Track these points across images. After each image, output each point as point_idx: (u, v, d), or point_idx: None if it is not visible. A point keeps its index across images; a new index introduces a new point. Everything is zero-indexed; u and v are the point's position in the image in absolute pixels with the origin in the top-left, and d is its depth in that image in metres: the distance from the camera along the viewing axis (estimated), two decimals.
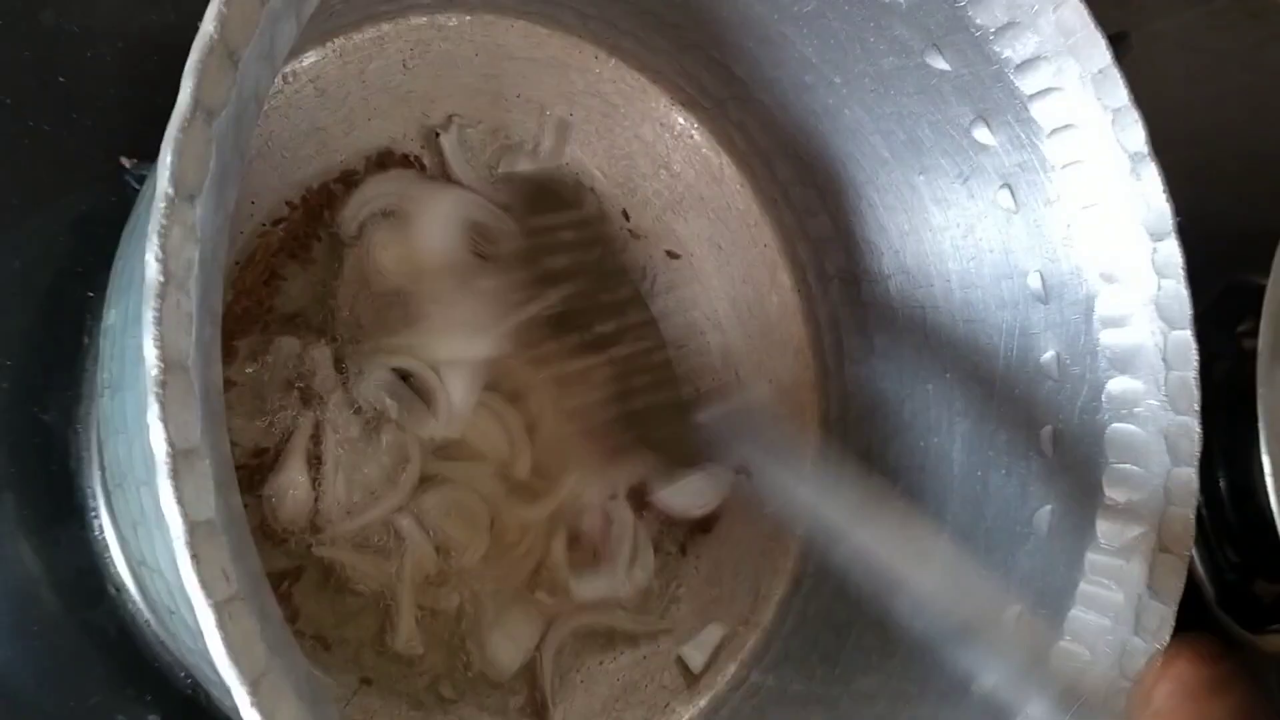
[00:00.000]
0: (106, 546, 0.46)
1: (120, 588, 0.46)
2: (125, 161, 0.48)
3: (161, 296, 0.26)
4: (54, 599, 0.45)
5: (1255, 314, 0.55)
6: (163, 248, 0.26)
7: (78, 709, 0.45)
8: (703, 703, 0.55)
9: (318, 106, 0.49)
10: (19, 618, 0.45)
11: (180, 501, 0.25)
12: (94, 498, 0.46)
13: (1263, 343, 0.54)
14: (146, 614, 0.46)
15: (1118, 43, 0.43)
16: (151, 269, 0.26)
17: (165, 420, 0.25)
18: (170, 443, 0.25)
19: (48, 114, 0.47)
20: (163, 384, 0.25)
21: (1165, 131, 0.44)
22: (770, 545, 0.58)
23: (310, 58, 0.49)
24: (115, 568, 0.46)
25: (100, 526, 0.46)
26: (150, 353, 0.25)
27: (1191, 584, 0.43)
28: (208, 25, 0.28)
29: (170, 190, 0.26)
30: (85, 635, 0.46)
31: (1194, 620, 0.41)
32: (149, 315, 0.26)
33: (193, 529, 0.25)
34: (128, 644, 0.46)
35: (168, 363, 0.26)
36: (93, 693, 0.45)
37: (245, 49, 0.29)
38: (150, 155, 0.47)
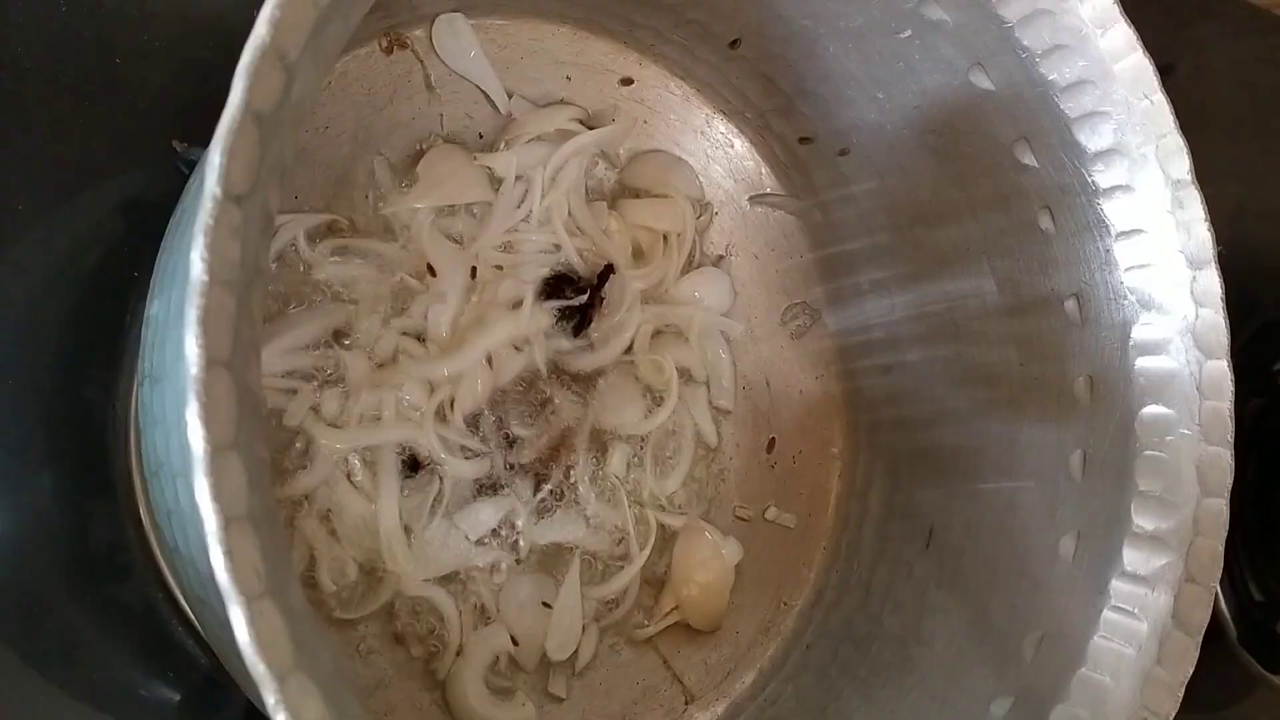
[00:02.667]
0: (139, 523, 0.47)
1: (149, 565, 0.47)
2: (176, 145, 0.48)
3: (205, 295, 0.26)
4: (84, 572, 0.46)
5: None
6: (208, 247, 0.26)
7: (101, 681, 0.46)
8: (720, 709, 0.55)
9: (364, 104, 0.50)
10: (48, 588, 0.45)
11: (216, 498, 0.26)
12: (129, 475, 0.47)
13: None
14: (175, 593, 0.47)
15: (1165, 74, 0.43)
16: (196, 268, 0.26)
17: (204, 418, 0.26)
18: (208, 440, 0.26)
19: (103, 95, 0.48)
20: (203, 381, 0.26)
21: (1209, 164, 0.44)
22: (794, 555, 0.58)
23: (358, 56, 0.50)
24: (146, 546, 0.47)
25: (134, 504, 0.47)
26: (191, 350, 0.26)
27: (1213, 620, 0.43)
28: (260, 28, 0.28)
29: (218, 191, 0.27)
30: (112, 609, 0.46)
31: (1215, 657, 0.41)
32: (192, 313, 0.26)
33: (226, 525, 0.26)
34: (153, 621, 0.47)
35: (208, 360, 0.26)
36: (115, 667, 0.46)
37: (296, 52, 0.29)
38: (201, 140, 0.47)
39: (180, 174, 0.48)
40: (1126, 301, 0.45)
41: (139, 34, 0.48)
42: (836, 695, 0.52)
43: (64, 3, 0.47)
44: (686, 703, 0.55)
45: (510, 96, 0.53)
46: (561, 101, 0.55)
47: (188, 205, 0.36)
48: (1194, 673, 0.41)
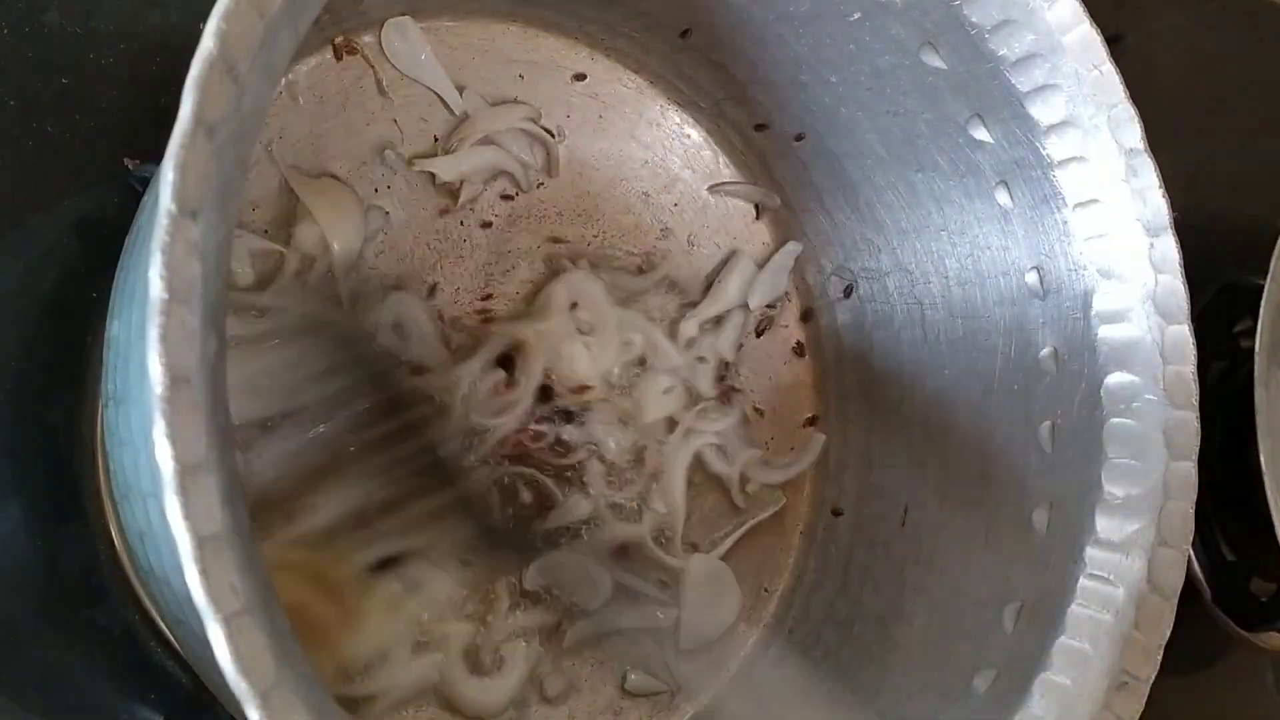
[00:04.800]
0: (110, 546, 0.47)
1: (124, 587, 0.46)
2: (128, 162, 0.48)
3: (165, 313, 0.26)
4: (58, 598, 0.46)
5: (1252, 314, 0.55)
6: (166, 265, 0.26)
7: (81, 708, 0.45)
8: (706, 699, 0.55)
9: (317, 113, 0.49)
10: (22, 616, 0.45)
11: (188, 517, 0.26)
12: (98, 497, 0.47)
13: (1260, 343, 0.54)
14: (152, 614, 0.47)
15: (1114, 44, 0.43)
16: (155, 286, 0.26)
17: (171, 437, 0.26)
18: (176, 459, 0.26)
19: (51, 115, 0.47)
20: (168, 400, 0.26)
21: (1162, 131, 0.44)
22: (772, 541, 0.58)
23: (308, 64, 0.49)
24: (119, 567, 0.46)
25: (104, 526, 0.47)
26: (155, 370, 0.26)
27: (1188, 582, 0.43)
28: (208, 40, 0.28)
29: (173, 207, 0.27)
30: (89, 634, 0.46)
31: (1191, 618, 0.41)
32: (153, 332, 0.26)
33: (200, 544, 0.26)
34: (131, 643, 0.47)
35: (173, 379, 0.26)
36: (96, 692, 0.46)
37: (244, 62, 0.29)
38: (153, 156, 0.47)
39: (134, 192, 0.48)
40: (1086, 272, 0.46)
41: (85, 52, 0.48)
42: (821, 678, 0.52)
43: (4, 24, 0.46)
44: (673, 694, 0.55)
45: (462, 94, 0.53)
46: (514, 101, 0.54)
47: (143, 223, 0.36)
48: (1171, 635, 0.41)
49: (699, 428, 0.56)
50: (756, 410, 0.59)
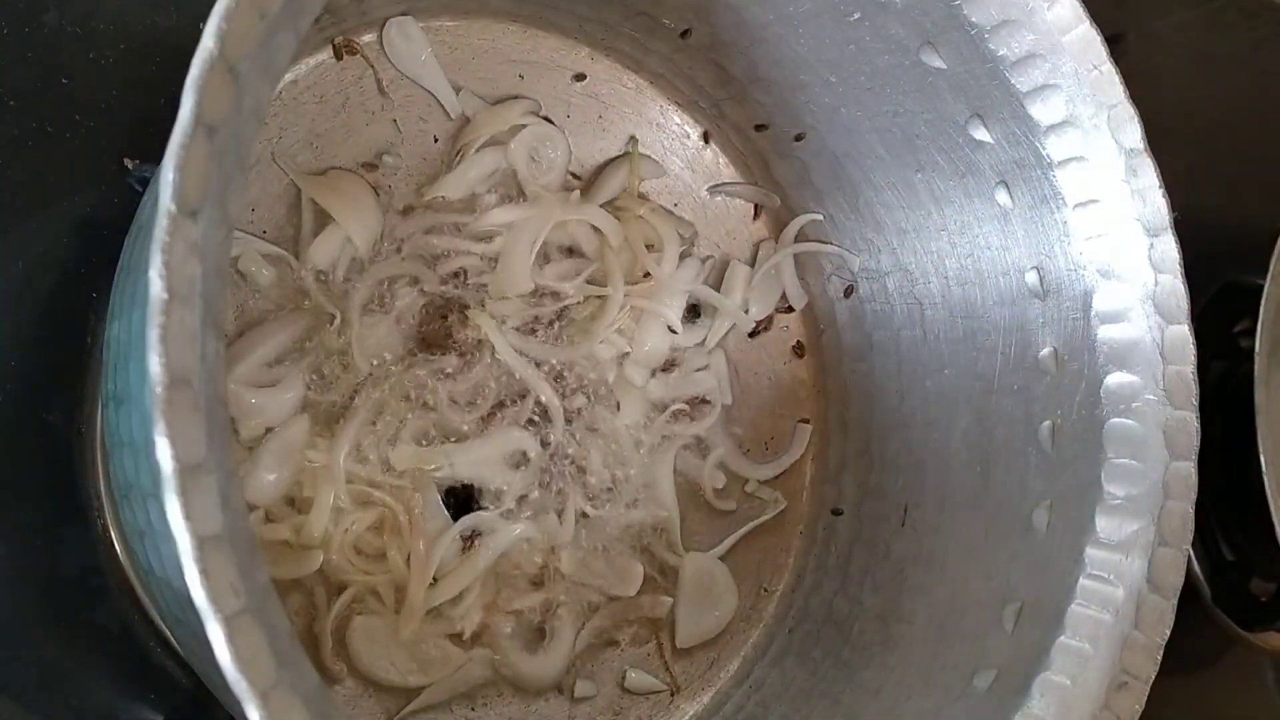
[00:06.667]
0: (110, 546, 0.46)
1: (124, 587, 0.46)
2: (128, 163, 0.48)
3: (166, 313, 0.26)
4: (57, 598, 0.46)
5: (1252, 314, 0.55)
6: (166, 265, 0.26)
7: (81, 708, 0.45)
8: (706, 699, 0.55)
9: (317, 113, 0.49)
10: (22, 617, 0.45)
11: (188, 517, 0.25)
12: (98, 498, 0.47)
13: (1260, 343, 0.54)
14: (151, 614, 0.47)
15: (1114, 44, 0.43)
16: (155, 286, 0.26)
17: (171, 437, 0.25)
18: (176, 459, 0.26)
19: (51, 115, 0.47)
20: (168, 401, 0.26)
21: (1162, 131, 0.44)
22: (772, 541, 0.58)
23: (308, 64, 0.49)
24: (119, 567, 0.46)
25: (104, 526, 0.47)
26: (155, 370, 0.26)
27: (1188, 582, 0.43)
28: (208, 40, 0.28)
29: (173, 207, 0.27)
30: (88, 634, 0.46)
31: (1191, 618, 0.41)
32: (154, 333, 0.26)
33: (201, 544, 0.26)
34: (131, 643, 0.47)
35: (173, 379, 0.26)
36: (96, 692, 0.46)
37: (245, 63, 0.29)
38: (153, 157, 0.47)
39: (134, 192, 0.48)
40: (1086, 271, 0.46)
41: (85, 52, 0.48)
42: (821, 678, 0.52)
43: (4, 24, 0.46)
44: (672, 694, 0.55)
45: (459, 93, 0.53)
46: (515, 97, 0.54)
47: (143, 223, 0.36)
48: (1171, 635, 0.42)
49: (675, 431, 0.56)
50: (734, 422, 0.59)
